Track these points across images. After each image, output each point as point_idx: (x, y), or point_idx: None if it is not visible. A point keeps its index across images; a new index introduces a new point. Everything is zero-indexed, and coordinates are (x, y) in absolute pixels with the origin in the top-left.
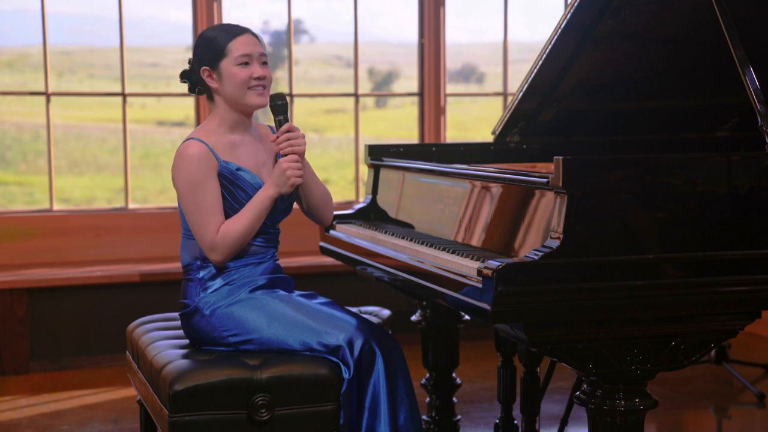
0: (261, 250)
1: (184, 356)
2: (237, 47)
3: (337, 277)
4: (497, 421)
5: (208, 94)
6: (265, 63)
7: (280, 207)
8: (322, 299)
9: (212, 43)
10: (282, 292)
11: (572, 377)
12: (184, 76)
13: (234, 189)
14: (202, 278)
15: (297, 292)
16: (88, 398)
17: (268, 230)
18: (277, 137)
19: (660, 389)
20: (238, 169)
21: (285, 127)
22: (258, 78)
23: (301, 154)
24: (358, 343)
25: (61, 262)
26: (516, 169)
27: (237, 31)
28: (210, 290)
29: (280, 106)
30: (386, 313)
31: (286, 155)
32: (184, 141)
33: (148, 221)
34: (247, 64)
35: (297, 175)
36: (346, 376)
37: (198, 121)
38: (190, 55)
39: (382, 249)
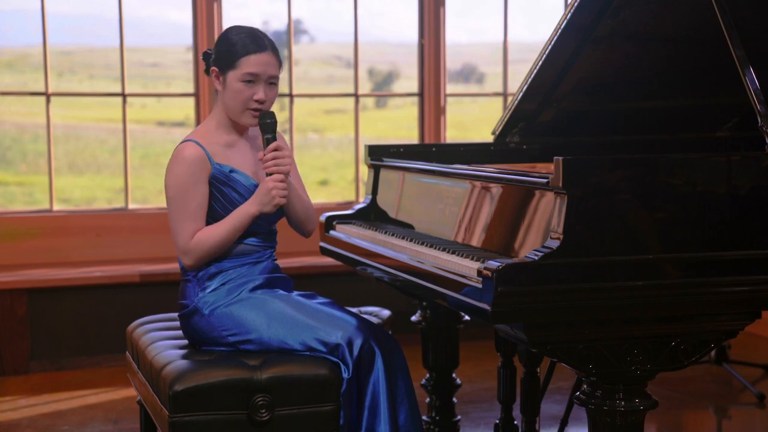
0: (258, 249)
1: (184, 356)
2: (248, 65)
3: (337, 278)
4: (497, 421)
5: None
6: (273, 83)
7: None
8: (321, 299)
9: (229, 49)
10: (281, 292)
11: (572, 377)
12: (205, 57)
13: (226, 189)
14: (200, 278)
15: (296, 293)
16: (88, 398)
17: (264, 230)
18: (264, 155)
19: (660, 389)
20: (232, 171)
21: (272, 146)
22: (258, 101)
23: (287, 174)
24: (357, 343)
25: (61, 262)
26: (516, 170)
27: (256, 47)
28: (208, 290)
29: (269, 124)
30: (386, 313)
31: (271, 174)
32: (182, 141)
33: (148, 221)
34: (251, 82)
35: (281, 195)
36: (345, 375)
37: (198, 122)
38: (190, 55)
39: (382, 249)
